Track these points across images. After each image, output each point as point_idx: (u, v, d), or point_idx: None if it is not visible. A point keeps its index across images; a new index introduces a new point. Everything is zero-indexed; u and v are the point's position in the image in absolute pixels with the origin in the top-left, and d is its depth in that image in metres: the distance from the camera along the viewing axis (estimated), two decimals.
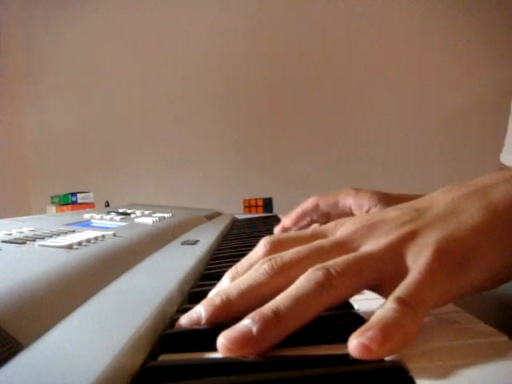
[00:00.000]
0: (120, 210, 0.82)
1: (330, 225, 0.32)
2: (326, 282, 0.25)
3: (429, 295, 0.25)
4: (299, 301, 0.24)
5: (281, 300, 0.24)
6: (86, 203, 1.55)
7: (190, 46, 2.06)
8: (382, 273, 0.26)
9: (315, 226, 0.64)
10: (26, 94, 2.07)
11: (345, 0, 2.06)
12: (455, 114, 2.01)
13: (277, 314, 0.23)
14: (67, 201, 1.55)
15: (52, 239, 0.42)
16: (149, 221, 0.67)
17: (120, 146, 2.08)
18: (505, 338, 0.24)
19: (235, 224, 0.96)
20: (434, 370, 0.20)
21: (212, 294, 0.29)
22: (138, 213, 0.78)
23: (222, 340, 0.23)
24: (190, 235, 0.66)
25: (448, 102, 2.03)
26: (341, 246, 0.28)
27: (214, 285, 0.38)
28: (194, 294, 0.36)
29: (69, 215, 0.72)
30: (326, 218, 0.69)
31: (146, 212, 0.81)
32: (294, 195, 1.86)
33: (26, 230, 0.47)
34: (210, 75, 2.07)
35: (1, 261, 0.35)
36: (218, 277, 0.41)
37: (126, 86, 2.07)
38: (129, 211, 0.80)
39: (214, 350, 0.23)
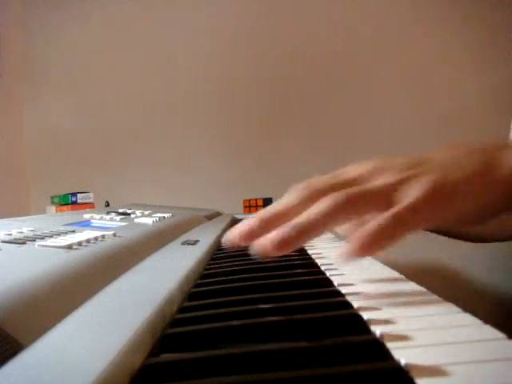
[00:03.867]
0: (120, 210, 0.82)
1: (349, 167, 0.40)
2: (341, 200, 0.33)
3: (422, 210, 0.32)
4: (317, 214, 0.33)
5: (304, 214, 0.33)
6: (86, 203, 1.55)
7: (191, 47, 2.07)
8: (378, 202, 0.34)
9: None
10: (25, 94, 2.07)
11: (346, 0, 2.07)
12: (455, 113, 2.01)
13: (301, 224, 0.32)
14: (67, 201, 1.55)
15: (52, 239, 0.42)
16: (149, 221, 0.67)
17: (120, 146, 2.08)
18: (505, 337, 0.24)
19: (235, 224, 0.96)
20: (434, 370, 0.20)
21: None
22: (138, 213, 0.78)
23: (263, 242, 0.32)
24: (189, 235, 0.66)
25: (448, 102, 2.03)
26: (356, 182, 0.36)
27: (214, 284, 0.38)
28: (194, 293, 0.36)
29: (69, 215, 0.72)
30: None
31: (146, 212, 0.81)
32: None
33: (26, 230, 0.47)
34: (209, 75, 2.07)
35: (1, 261, 0.35)
36: (218, 277, 0.41)
37: (127, 86, 2.07)
38: (129, 211, 0.80)
39: (214, 349, 0.23)
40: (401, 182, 0.34)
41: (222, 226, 0.81)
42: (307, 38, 2.06)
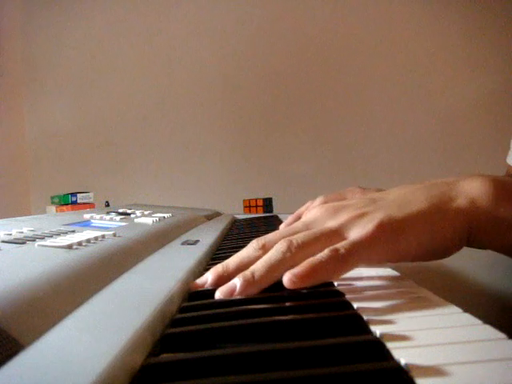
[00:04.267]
0: (120, 210, 0.82)
1: (308, 211, 0.42)
2: (288, 249, 0.35)
3: (362, 250, 0.33)
4: (267, 263, 0.34)
5: (256, 264, 0.35)
6: (86, 203, 1.55)
7: (191, 47, 2.07)
8: (331, 243, 0.34)
9: None
10: (25, 94, 2.07)
11: (347, 1, 2.07)
12: (455, 114, 2.01)
13: (253, 273, 0.34)
14: (67, 201, 1.55)
15: (52, 239, 0.42)
16: (149, 221, 0.67)
17: (120, 145, 2.08)
18: (505, 337, 0.24)
19: (235, 224, 0.96)
20: (434, 370, 0.20)
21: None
22: (138, 213, 0.78)
23: (218, 294, 0.33)
24: (189, 235, 0.66)
25: (448, 102, 2.03)
26: (308, 226, 0.39)
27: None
28: (193, 293, 0.36)
29: (69, 215, 0.72)
30: None
31: (146, 212, 0.81)
32: (294, 195, 1.86)
33: (26, 230, 0.47)
34: (209, 75, 2.07)
35: (1, 261, 0.35)
36: None
37: (127, 86, 2.07)
38: (129, 211, 0.80)
39: (214, 349, 0.23)
40: (347, 223, 0.36)
41: (222, 226, 0.81)
42: (308, 39, 2.06)
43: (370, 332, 0.26)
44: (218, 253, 0.56)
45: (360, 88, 2.07)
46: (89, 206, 1.52)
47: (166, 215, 0.77)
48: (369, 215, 0.36)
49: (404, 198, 0.37)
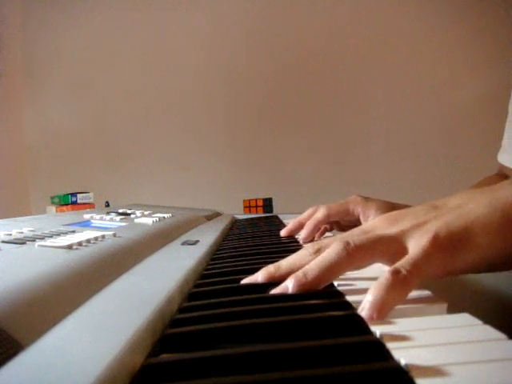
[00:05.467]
0: (120, 210, 0.82)
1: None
2: (344, 250, 0.33)
3: (422, 267, 0.31)
4: (322, 264, 0.33)
5: (309, 265, 0.34)
6: (86, 203, 1.55)
7: (190, 47, 2.06)
8: (386, 251, 0.34)
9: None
10: (25, 94, 2.07)
11: (346, 1, 2.06)
12: (455, 113, 2.01)
13: (305, 274, 0.33)
14: (67, 201, 1.55)
15: (52, 239, 0.42)
16: (149, 221, 0.67)
17: (120, 146, 2.08)
18: (505, 338, 0.24)
19: (235, 224, 0.96)
20: (434, 370, 0.20)
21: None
22: (138, 213, 0.78)
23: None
24: (190, 235, 0.66)
25: (448, 102, 2.02)
26: (367, 232, 0.37)
27: (214, 284, 0.38)
28: (193, 294, 0.36)
29: (69, 215, 0.72)
30: (337, 225, 0.71)
31: (146, 212, 0.81)
32: (294, 195, 1.86)
33: (26, 230, 0.47)
34: (209, 75, 2.07)
35: (1, 261, 0.35)
36: (218, 277, 0.41)
37: (127, 86, 2.07)
38: (129, 211, 0.80)
39: (214, 349, 0.23)
40: (406, 231, 0.34)
41: (222, 226, 0.81)
42: (308, 38, 2.06)
43: (370, 332, 0.26)
44: (218, 253, 0.56)
45: (360, 88, 2.07)
46: (89, 206, 1.52)
47: (165, 215, 0.77)
48: (427, 224, 0.34)
49: (463, 203, 0.35)
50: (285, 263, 0.37)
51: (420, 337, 0.24)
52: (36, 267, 0.32)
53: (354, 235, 0.37)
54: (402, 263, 0.31)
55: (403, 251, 0.33)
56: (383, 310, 0.28)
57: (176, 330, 0.27)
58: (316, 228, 0.68)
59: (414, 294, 0.32)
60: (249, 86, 2.08)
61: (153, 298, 0.29)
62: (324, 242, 0.37)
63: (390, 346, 0.23)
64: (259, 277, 0.36)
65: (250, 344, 0.25)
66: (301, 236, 0.68)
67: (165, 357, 0.24)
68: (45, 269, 0.31)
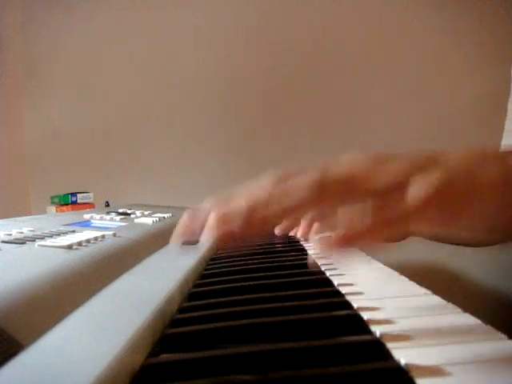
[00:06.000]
0: (120, 210, 0.82)
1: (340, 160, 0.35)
2: (318, 184, 0.29)
3: (416, 219, 0.28)
4: (288, 204, 0.28)
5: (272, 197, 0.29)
6: (86, 203, 1.55)
7: (189, 46, 2.07)
8: (383, 191, 0.29)
9: None
10: (25, 94, 2.07)
11: (347, 1, 2.07)
12: (452, 113, 2.01)
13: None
14: (67, 201, 1.55)
15: (52, 239, 0.42)
16: (149, 221, 0.67)
17: (120, 145, 2.08)
18: (505, 338, 0.24)
19: None
20: (434, 370, 0.20)
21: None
22: (138, 213, 0.78)
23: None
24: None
25: (448, 102, 2.03)
26: (352, 179, 0.31)
27: (214, 284, 0.38)
28: (193, 294, 0.36)
29: (69, 215, 0.72)
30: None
31: (146, 212, 0.81)
32: None
33: (26, 230, 0.47)
34: (209, 75, 2.07)
35: (1, 261, 0.35)
36: (217, 277, 0.41)
37: (127, 87, 2.07)
38: (129, 211, 0.80)
39: (214, 349, 0.23)
40: (406, 174, 0.29)
41: None
42: (308, 38, 2.06)
43: (370, 332, 0.26)
44: (218, 253, 0.56)
45: (360, 88, 2.07)
46: (89, 206, 1.52)
47: (165, 215, 0.77)
48: (429, 172, 0.29)
49: (472, 160, 0.30)
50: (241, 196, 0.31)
51: (420, 337, 0.24)
52: (36, 267, 0.32)
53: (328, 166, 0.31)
54: (397, 206, 0.27)
55: (399, 194, 0.28)
56: (354, 238, 0.26)
57: (176, 330, 0.27)
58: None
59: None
60: (249, 86, 2.08)
61: (153, 298, 0.29)
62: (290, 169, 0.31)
63: (390, 345, 0.23)
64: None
65: (249, 344, 0.25)
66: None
67: (165, 357, 0.24)
68: (45, 269, 0.31)
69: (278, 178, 0.30)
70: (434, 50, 2.03)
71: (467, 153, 0.31)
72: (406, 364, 0.21)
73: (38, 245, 0.40)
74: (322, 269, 0.43)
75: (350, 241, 0.27)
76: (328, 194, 0.28)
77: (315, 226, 0.69)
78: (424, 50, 2.04)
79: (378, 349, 0.23)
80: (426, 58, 2.04)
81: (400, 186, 0.28)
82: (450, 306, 0.29)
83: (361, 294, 0.34)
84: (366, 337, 0.25)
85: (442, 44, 2.02)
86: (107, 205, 1.46)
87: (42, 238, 0.43)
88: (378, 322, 0.27)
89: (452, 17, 1.99)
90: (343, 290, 0.34)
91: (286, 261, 0.47)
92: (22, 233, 0.46)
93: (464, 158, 0.30)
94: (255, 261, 0.47)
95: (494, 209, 0.29)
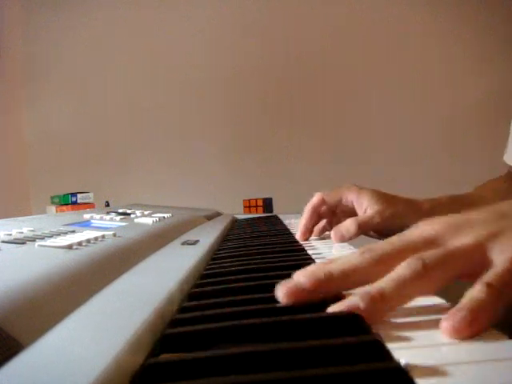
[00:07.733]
0: (120, 210, 0.82)
1: (415, 229, 0.34)
2: (423, 270, 0.28)
3: (506, 287, 0.27)
4: (400, 284, 0.27)
5: (384, 283, 0.28)
6: (86, 203, 1.55)
7: (190, 47, 2.06)
8: (468, 265, 0.29)
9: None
10: (25, 95, 2.07)
11: (347, 2, 2.06)
12: (456, 114, 2.01)
13: (381, 294, 0.27)
14: (67, 201, 1.55)
15: (52, 239, 0.42)
16: (149, 221, 0.67)
17: (120, 146, 2.08)
18: (505, 337, 0.24)
19: (235, 224, 0.96)
20: (434, 370, 0.20)
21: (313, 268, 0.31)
22: (138, 213, 0.78)
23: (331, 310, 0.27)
24: (189, 235, 0.66)
25: (448, 102, 2.02)
26: (431, 243, 0.31)
27: (214, 284, 0.38)
28: (193, 294, 0.36)
29: (69, 215, 0.72)
30: (332, 214, 0.70)
31: (146, 212, 0.81)
32: (294, 195, 1.86)
33: (26, 230, 0.47)
34: (209, 75, 2.07)
35: (1, 261, 0.35)
36: (218, 277, 0.41)
37: (127, 87, 2.07)
38: (129, 211, 0.80)
39: (214, 349, 0.23)
40: (485, 241, 0.29)
41: (222, 226, 0.81)
42: (308, 38, 2.06)
43: (370, 332, 0.26)
44: (218, 253, 0.56)
45: (360, 89, 2.07)
46: (89, 206, 1.52)
47: (165, 215, 0.77)
48: (504, 235, 0.29)
49: None
50: (337, 269, 0.30)
51: (420, 337, 0.24)
52: (36, 267, 0.32)
53: (413, 243, 0.31)
54: (491, 275, 0.27)
55: (486, 264, 0.29)
56: (474, 325, 0.24)
57: (176, 330, 0.27)
58: (314, 213, 0.67)
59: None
60: (249, 86, 2.08)
61: (153, 298, 0.29)
62: (382, 248, 0.31)
63: (390, 346, 0.23)
64: (304, 281, 0.29)
65: (250, 344, 0.25)
66: (300, 223, 0.67)
67: (165, 357, 0.24)
68: (45, 269, 0.31)
69: (372, 256, 0.30)
70: (437, 52, 2.03)
71: None
72: (406, 364, 0.21)
73: (38, 245, 0.40)
74: None
75: (475, 324, 0.25)
76: (433, 279, 0.29)
77: (317, 228, 0.69)
78: (428, 51, 2.04)
79: (378, 349, 0.23)
80: (429, 59, 2.04)
81: (488, 249, 0.29)
82: (450, 306, 0.29)
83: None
84: (366, 337, 0.25)
85: (446, 45, 2.02)
86: (107, 205, 1.46)
87: (42, 238, 0.43)
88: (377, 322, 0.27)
89: (456, 18, 1.99)
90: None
91: (286, 261, 0.47)
92: (22, 233, 0.46)
93: None
94: (255, 261, 0.47)
95: None
